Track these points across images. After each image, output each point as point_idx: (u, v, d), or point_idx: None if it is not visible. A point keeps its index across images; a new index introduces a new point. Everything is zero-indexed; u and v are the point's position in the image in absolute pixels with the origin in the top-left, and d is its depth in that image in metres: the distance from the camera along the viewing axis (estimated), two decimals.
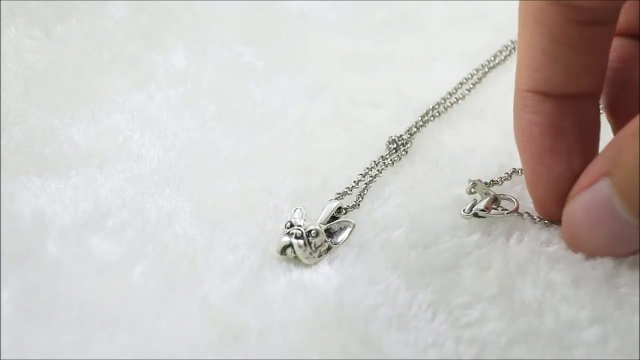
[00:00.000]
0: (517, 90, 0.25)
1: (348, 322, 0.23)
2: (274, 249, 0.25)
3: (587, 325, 0.23)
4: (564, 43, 0.23)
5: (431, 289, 0.24)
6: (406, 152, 0.30)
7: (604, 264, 0.24)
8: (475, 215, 0.26)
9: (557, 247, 0.25)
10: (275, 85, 0.35)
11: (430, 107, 0.33)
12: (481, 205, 0.26)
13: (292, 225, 0.26)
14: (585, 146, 0.25)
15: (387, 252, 0.26)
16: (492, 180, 0.28)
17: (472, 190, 0.27)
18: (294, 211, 0.27)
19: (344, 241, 0.26)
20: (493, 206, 0.27)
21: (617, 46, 0.27)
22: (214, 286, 0.24)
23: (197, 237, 0.26)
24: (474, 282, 0.24)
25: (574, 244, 0.25)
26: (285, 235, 0.25)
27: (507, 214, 0.26)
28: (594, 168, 0.23)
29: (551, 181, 0.25)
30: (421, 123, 0.32)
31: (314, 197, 0.28)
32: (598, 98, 0.25)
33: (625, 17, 0.25)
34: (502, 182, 0.28)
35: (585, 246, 0.24)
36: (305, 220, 0.26)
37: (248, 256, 0.25)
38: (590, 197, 0.23)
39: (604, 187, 0.22)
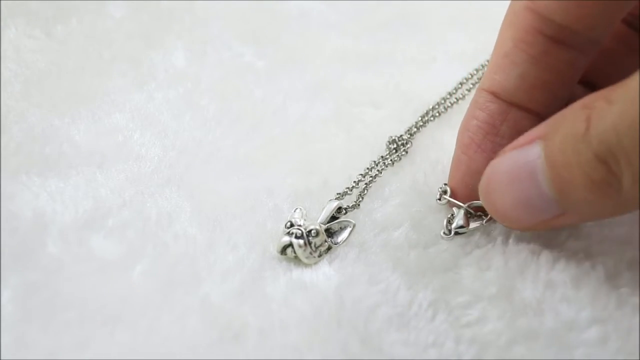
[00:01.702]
0: (478, 87, 0.26)
1: (348, 321, 0.23)
2: (274, 249, 0.25)
3: (587, 325, 0.23)
4: (524, 52, 0.24)
5: (431, 289, 0.24)
6: (406, 152, 0.30)
7: (604, 264, 0.24)
8: (457, 233, 0.26)
9: (558, 246, 0.25)
10: (275, 85, 0.35)
11: (430, 107, 0.33)
12: (459, 222, 0.26)
13: (292, 225, 0.26)
14: None
15: (387, 252, 0.26)
16: None
17: (442, 197, 0.27)
18: (294, 211, 0.27)
19: (344, 241, 0.26)
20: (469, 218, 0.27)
21: None
22: (214, 286, 0.24)
23: (197, 236, 0.26)
24: (474, 281, 0.24)
25: (486, 198, 0.24)
26: (285, 235, 0.25)
27: (485, 222, 0.26)
28: (532, 131, 0.22)
29: (468, 173, 0.26)
30: (421, 123, 0.32)
31: (314, 197, 0.28)
32: (543, 119, 0.24)
33: None
34: None
35: (496, 203, 0.24)
36: (305, 220, 0.26)
37: (248, 256, 0.25)
38: (518, 155, 0.22)
39: (534, 151, 0.22)
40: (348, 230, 0.26)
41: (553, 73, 0.24)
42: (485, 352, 0.22)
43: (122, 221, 0.26)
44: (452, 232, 0.26)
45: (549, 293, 0.24)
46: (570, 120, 0.21)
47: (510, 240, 0.26)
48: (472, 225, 0.26)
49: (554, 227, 0.24)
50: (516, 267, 0.25)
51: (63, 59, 0.35)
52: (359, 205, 0.28)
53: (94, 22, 0.38)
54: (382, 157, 0.30)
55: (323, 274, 0.25)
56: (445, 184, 0.27)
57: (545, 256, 0.25)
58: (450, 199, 0.27)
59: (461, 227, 0.26)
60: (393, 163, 0.30)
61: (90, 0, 0.39)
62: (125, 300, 0.24)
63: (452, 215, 0.26)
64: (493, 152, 0.25)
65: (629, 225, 0.26)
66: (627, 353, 0.22)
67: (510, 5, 0.24)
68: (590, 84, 0.27)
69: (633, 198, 0.19)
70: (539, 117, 0.25)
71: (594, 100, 0.20)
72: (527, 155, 0.22)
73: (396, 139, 0.30)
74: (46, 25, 0.37)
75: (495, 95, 0.25)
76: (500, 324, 0.23)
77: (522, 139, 0.23)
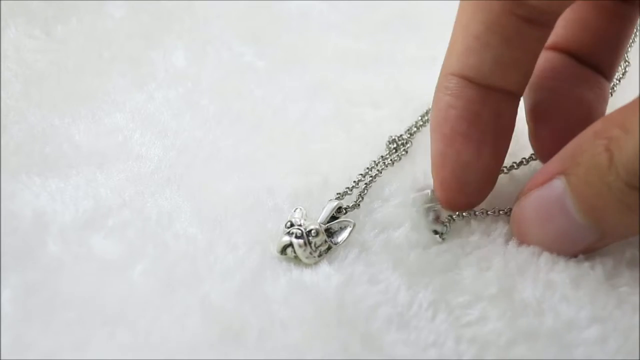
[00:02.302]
0: (443, 71, 0.25)
1: (348, 321, 0.23)
2: (274, 249, 0.25)
3: (587, 325, 0.23)
4: (498, 34, 0.23)
5: (431, 289, 0.24)
6: (406, 152, 0.30)
7: (603, 264, 0.24)
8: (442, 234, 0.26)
9: None
10: (275, 85, 0.35)
11: (430, 107, 0.33)
12: (438, 227, 0.26)
13: (292, 225, 0.26)
14: (497, 140, 0.25)
15: (388, 252, 0.26)
16: None
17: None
18: (294, 211, 0.27)
19: (344, 241, 0.26)
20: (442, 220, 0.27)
21: (544, 58, 0.27)
22: (215, 285, 0.24)
23: (197, 236, 0.26)
24: (474, 282, 0.24)
25: (521, 240, 0.25)
26: (285, 234, 0.25)
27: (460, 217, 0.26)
28: (550, 166, 0.23)
29: (458, 166, 0.25)
30: (421, 123, 0.32)
31: (314, 196, 0.28)
32: (518, 99, 0.25)
33: (553, 32, 0.25)
34: None
35: (533, 243, 0.24)
36: (305, 219, 0.26)
37: (248, 255, 0.25)
38: (543, 194, 0.23)
39: (558, 186, 0.22)
40: (348, 230, 0.26)
41: (526, 51, 0.24)
42: (485, 352, 0.22)
43: (122, 221, 0.26)
44: (443, 237, 0.26)
45: (549, 293, 0.24)
46: (589, 153, 0.21)
47: (511, 241, 0.26)
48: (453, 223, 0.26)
49: (596, 249, 0.24)
50: (516, 268, 0.25)
51: (63, 59, 0.35)
52: (359, 205, 0.28)
53: (94, 22, 0.38)
54: (382, 156, 0.30)
55: (323, 273, 0.25)
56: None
57: (545, 256, 0.25)
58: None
59: (444, 227, 0.26)
60: (393, 163, 0.30)
61: (90, 0, 0.39)
62: (125, 300, 0.24)
63: (431, 216, 0.27)
64: (480, 141, 0.24)
65: None
66: (627, 352, 0.22)
67: None
68: (570, 53, 0.28)
69: None
70: (515, 96, 0.25)
71: (608, 129, 0.21)
72: (551, 191, 0.23)
73: (396, 138, 0.31)
74: (46, 25, 0.37)
75: (468, 79, 0.24)
76: (500, 324, 0.23)
77: (540, 177, 0.23)
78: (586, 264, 0.24)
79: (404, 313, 0.23)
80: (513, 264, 0.25)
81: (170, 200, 0.28)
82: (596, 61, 0.28)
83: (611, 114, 0.22)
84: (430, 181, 0.27)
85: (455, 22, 0.25)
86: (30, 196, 0.27)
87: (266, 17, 0.39)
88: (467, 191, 0.25)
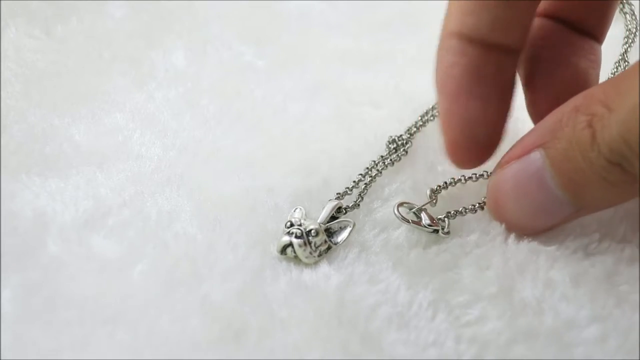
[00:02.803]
0: (444, 32, 0.25)
1: (348, 321, 0.23)
2: (274, 249, 0.25)
3: (587, 324, 0.23)
4: None
5: (431, 288, 0.24)
6: (406, 152, 0.30)
7: (603, 262, 0.24)
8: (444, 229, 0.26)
9: (557, 245, 0.25)
10: (275, 84, 0.35)
11: (430, 107, 0.33)
12: (436, 226, 0.26)
13: (292, 225, 0.26)
14: (501, 95, 0.25)
15: (387, 251, 0.26)
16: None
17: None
18: (294, 211, 0.27)
19: (344, 241, 0.26)
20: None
21: (536, 26, 0.27)
22: (215, 285, 0.24)
23: (197, 236, 0.26)
24: (474, 281, 0.24)
25: (497, 213, 0.25)
26: (285, 234, 0.25)
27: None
28: (528, 139, 0.23)
29: (465, 123, 0.24)
30: (421, 123, 0.32)
31: (314, 196, 0.28)
32: (518, 54, 0.25)
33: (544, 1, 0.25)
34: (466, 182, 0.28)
35: (509, 216, 0.25)
36: (305, 219, 0.26)
37: (248, 255, 0.25)
38: (521, 167, 0.23)
39: (536, 159, 0.22)
40: (348, 230, 0.26)
41: (522, 9, 0.24)
42: (485, 352, 0.22)
43: (122, 221, 0.26)
44: (446, 231, 0.26)
45: (549, 292, 0.24)
46: (570, 128, 0.21)
47: (510, 240, 0.26)
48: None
49: (568, 222, 0.24)
50: (516, 267, 0.25)
51: (63, 59, 0.35)
52: (358, 205, 0.28)
53: (94, 22, 0.38)
54: (382, 157, 0.30)
55: (323, 273, 0.25)
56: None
57: (545, 255, 0.25)
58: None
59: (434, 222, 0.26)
60: (393, 163, 0.30)
61: (90, 0, 0.39)
62: (125, 300, 0.24)
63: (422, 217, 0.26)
64: (485, 97, 0.24)
65: (627, 223, 0.26)
66: (626, 351, 0.22)
67: None
68: (560, 19, 0.28)
69: None
70: (515, 51, 0.25)
71: (590, 105, 0.21)
72: (529, 165, 0.23)
73: (396, 138, 0.30)
74: (46, 25, 0.37)
75: (469, 39, 0.24)
76: (500, 324, 0.23)
77: (517, 150, 0.23)
78: (586, 263, 0.24)
79: (403, 313, 0.23)
80: (512, 263, 0.25)
81: (170, 200, 0.28)
82: (587, 26, 0.28)
83: (592, 89, 0.22)
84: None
85: None
86: (30, 196, 0.27)
87: (266, 17, 0.39)
88: (476, 147, 0.25)
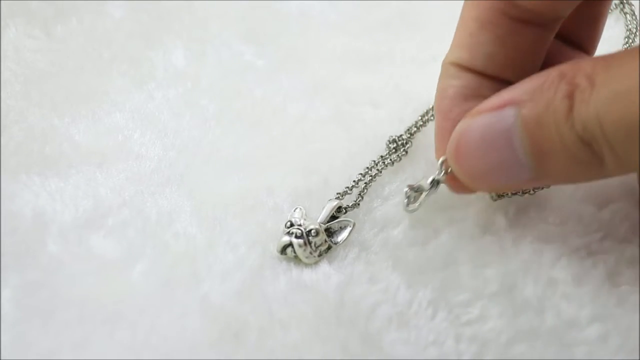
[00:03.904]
0: (444, 61, 0.25)
1: (348, 320, 0.23)
2: (274, 249, 0.25)
3: (588, 323, 0.23)
4: (490, 32, 0.23)
5: (431, 287, 0.24)
6: (406, 152, 0.30)
7: (605, 262, 0.24)
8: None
9: (559, 244, 0.25)
10: (275, 84, 0.35)
11: (430, 106, 0.32)
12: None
13: (292, 225, 0.26)
14: None
15: (387, 250, 0.26)
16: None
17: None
18: (294, 210, 0.27)
19: (344, 240, 0.26)
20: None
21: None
22: (214, 285, 0.24)
23: (197, 236, 0.26)
24: (474, 279, 0.24)
25: (456, 161, 0.24)
26: (285, 234, 0.25)
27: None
28: (505, 94, 0.22)
29: None
30: (421, 123, 0.32)
31: (314, 196, 0.28)
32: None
33: None
34: None
35: (466, 167, 0.23)
36: (305, 219, 0.26)
37: (248, 255, 0.25)
38: (491, 120, 0.22)
39: (509, 116, 0.21)
40: (348, 229, 0.26)
41: (520, 51, 0.24)
42: (485, 351, 0.22)
43: (122, 220, 0.26)
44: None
45: (550, 291, 0.24)
46: (550, 93, 0.20)
47: (512, 238, 0.26)
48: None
49: (522, 188, 0.24)
50: (518, 265, 0.25)
51: (63, 59, 0.35)
52: (358, 204, 0.28)
53: (94, 22, 0.38)
54: (381, 156, 0.30)
55: (323, 273, 0.25)
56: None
57: (548, 254, 0.25)
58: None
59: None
60: (393, 163, 0.30)
61: (90, 0, 0.39)
62: (125, 300, 0.24)
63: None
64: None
65: (629, 223, 0.26)
66: (628, 351, 0.22)
67: None
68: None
69: (614, 173, 0.20)
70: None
71: (576, 75, 0.20)
72: (500, 120, 0.22)
73: (396, 138, 0.30)
74: (46, 25, 0.37)
75: (465, 68, 0.24)
76: (500, 322, 0.23)
77: (494, 101, 0.22)
78: (588, 262, 0.24)
79: (403, 312, 0.23)
80: (514, 261, 0.25)
81: (170, 199, 0.28)
82: (578, 38, 0.28)
83: (582, 60, 0.21)
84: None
85: (460, 14, 0.25)
86: (30, 196, 0.27)
87: (266, 17, 0.39)
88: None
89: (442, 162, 0.25)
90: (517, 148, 0.22)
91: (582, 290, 0.24)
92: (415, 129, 0.31)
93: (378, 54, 0.36)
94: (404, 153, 0.30)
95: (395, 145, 0.30)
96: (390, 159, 0.30)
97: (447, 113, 0.25)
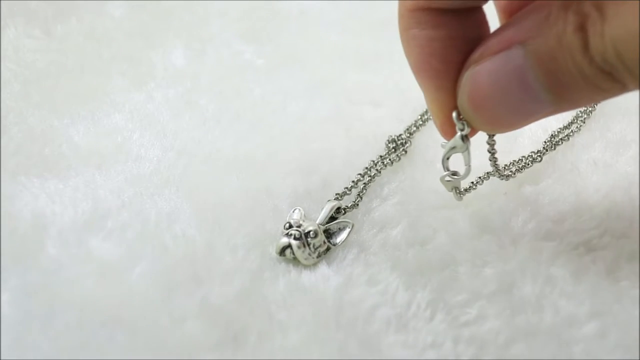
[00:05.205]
0: (404, 11, 0.24)
1: (347, 322, 0.23)
2: (273, 250, 0.25)
3: (587, 320, 0.23)
4: None
5: (429, 288, 0.24)
6: (405, 151, 0.30)
7: (604, 258, 0.24)
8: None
9: (558, 241, 0.25)
10: (274, 83, 0.35)
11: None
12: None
13: (290, 226, 0.26)
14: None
15: (386, 251, 0.26)
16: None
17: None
18: (293, 211, 0.27)
19: (343, 241, 0.26)
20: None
21: None
22: (214, 287, 0.24)
23: (196, 238, 0.26)
24: (473, 279, 0.24)
25: (474, 109, 0.23)
26: (284, 236, 0.25)
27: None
28: (507, 33, 0.21)
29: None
30: (421, 122, 0.32)
31: (313, 197, 0.28)
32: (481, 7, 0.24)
33: None
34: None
35: (485, 113, 0.23)
36: (304, 220, 0.26)
37: (247, 257, 0.25)
38: (499, 62, 0.21)
39: (517, 55, 0.21)
40: (347, 230, 0.26)
41: None
42: (484, 352, 0.22)
43: (121, 222, 0.26)
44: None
45: (549, 288, 0.24)
46: (559, 27, 0.20)
47: (510, 237, 0.26)
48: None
49: (546, 117, 0.23)
50: (516, 263, 0.25)
51: (63, 58, 0.35)
52: (357, 205, 0.28)
53: (93, 21, 0.38)
54: (381, 156, 0.30)
55: (322, 275, 0.25)
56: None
57: (546, 251, 0.25)
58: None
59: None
60: (392, 163, 0.30)
61: (90, 0, 0.39)
62: (124, 302, 0.24)
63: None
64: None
65: (628, 219, 0.26)
66: (626, 346, 0.22)
67: None
68: None
69: (637, 89, 0.20)
70: (479, 9, 0.24)
71: (583, 5, 0.20)
72: (508, 61, 0.21)
73: (395, 138, 0.30)
74: (46, 25, 0.37)
75: (436, 9, 0.23)
76: (499, 322, 0.23)
77: (495, 44, 0.22)
78: (587, 258, 0.24)
79: (402, 314, 0.23)
80: (513, 260, 0.25)
81: (169, 201, 0.28)
82: None
83: None
84: None
85: None
86: (29, 197, 0.27)
87: (266, 16, 0.39)
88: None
89: (458, 117, 0.24)
90: (532, 85, 0.21)
91: (581, 287, 0.24)
92: (414, 128, 0.31)
93: (378, 53, 0.36)
94: (403, 153, 0.30)
95: (394, 144, 0.30)
96: (390, 159, 0.30)
97: (430, 69, 0.24)
